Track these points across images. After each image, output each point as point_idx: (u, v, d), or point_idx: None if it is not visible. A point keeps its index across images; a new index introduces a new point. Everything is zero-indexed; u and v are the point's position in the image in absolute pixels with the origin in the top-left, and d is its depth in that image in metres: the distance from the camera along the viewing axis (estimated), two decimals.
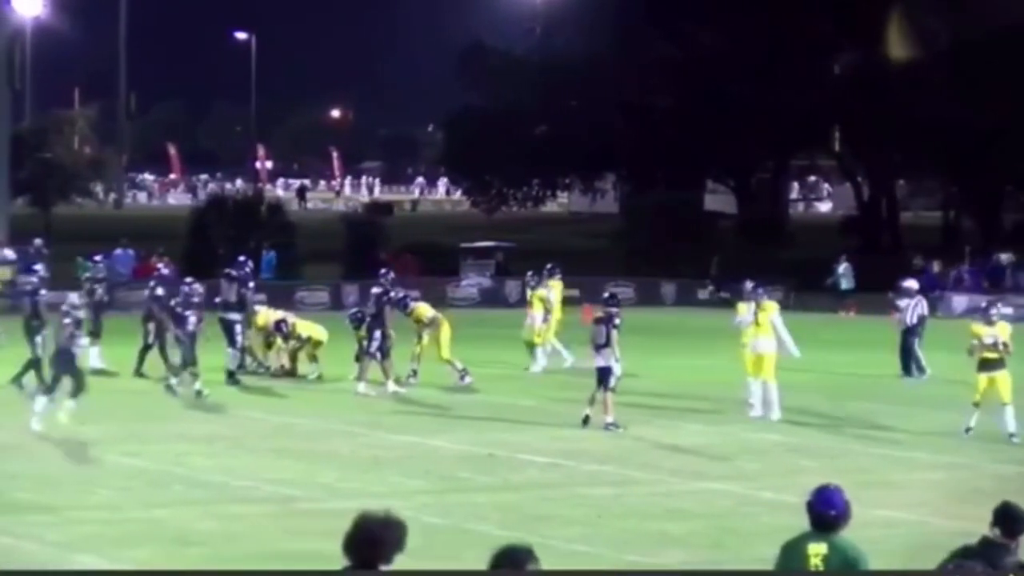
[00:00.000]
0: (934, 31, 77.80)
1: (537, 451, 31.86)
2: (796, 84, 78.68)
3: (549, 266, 47.38)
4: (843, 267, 70.82)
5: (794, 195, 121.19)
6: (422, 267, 72.60)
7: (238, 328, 41.44)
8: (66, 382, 33.50)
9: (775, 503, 24.86)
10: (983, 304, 35.98)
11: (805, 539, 14.36)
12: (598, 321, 34.97)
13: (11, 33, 77.85)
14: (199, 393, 38.18)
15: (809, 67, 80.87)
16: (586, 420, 34.18)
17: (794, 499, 14.70)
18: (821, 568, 14.16)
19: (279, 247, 71.96)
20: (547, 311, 45.48)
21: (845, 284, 70.04)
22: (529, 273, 48.91)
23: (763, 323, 36.10)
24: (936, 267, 70.25)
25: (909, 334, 45.13)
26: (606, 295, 37.37)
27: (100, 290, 45.14)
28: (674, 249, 76.85)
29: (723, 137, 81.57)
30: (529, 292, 46.42)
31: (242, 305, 42.33)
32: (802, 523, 14.60)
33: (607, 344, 34.44)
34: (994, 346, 32.72)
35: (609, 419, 33.91)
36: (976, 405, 32.90)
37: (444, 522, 25.23)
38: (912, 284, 48.73)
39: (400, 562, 22.56)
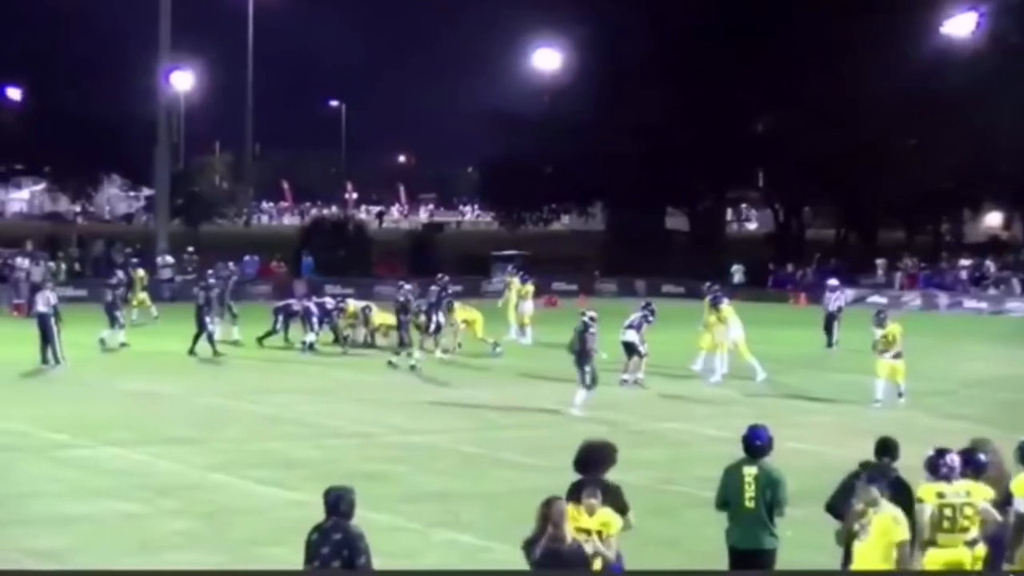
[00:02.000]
0: (828, 98, 77.60)
1: (547, 400, 31.71)
2: (731, 138, 78.52)
3: (522, 273, 48.59)
4: (735, 267, 72.52)
5: (729, 218, 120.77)
6: (464, 269, 72.63)
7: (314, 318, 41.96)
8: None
9: (716, 437, 24.70)
10: (877, 311, 34.15)
11: (741, 463, 14.25)
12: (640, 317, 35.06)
13: (168, 102, 77.85)
14: (413, 367, 37.13)
15: (739, 126, 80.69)
16: (623, 383, 33.61)
17: (730, 435, 14.51)
18: (752, 484, 14.04)
19: (352, 255, 72.49)
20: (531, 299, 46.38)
21: (737, 279, 71.10)
22: (521, 273, 49.37)
23: (723, 318, 36.10)
24: (789, 268, 73.71)
25: (830, 318, 45.07)
26: (643, 303, 36.86)
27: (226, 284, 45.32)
28: (643, 255, 76.71)
29: (679, 176, 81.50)
30: (521, 286, 46.55)
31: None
32: (735, 452, 14.47)
33: (636, 329, 34.45)
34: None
35: (640, 375, 33.74)
36: (879, 378, 31.44)
37: (479, 451, 25.14)
38: (834, 282, 48.66)
39: (445, 481, 22.50)
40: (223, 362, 38.82)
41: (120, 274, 47.18)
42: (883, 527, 12.53)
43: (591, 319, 30.59)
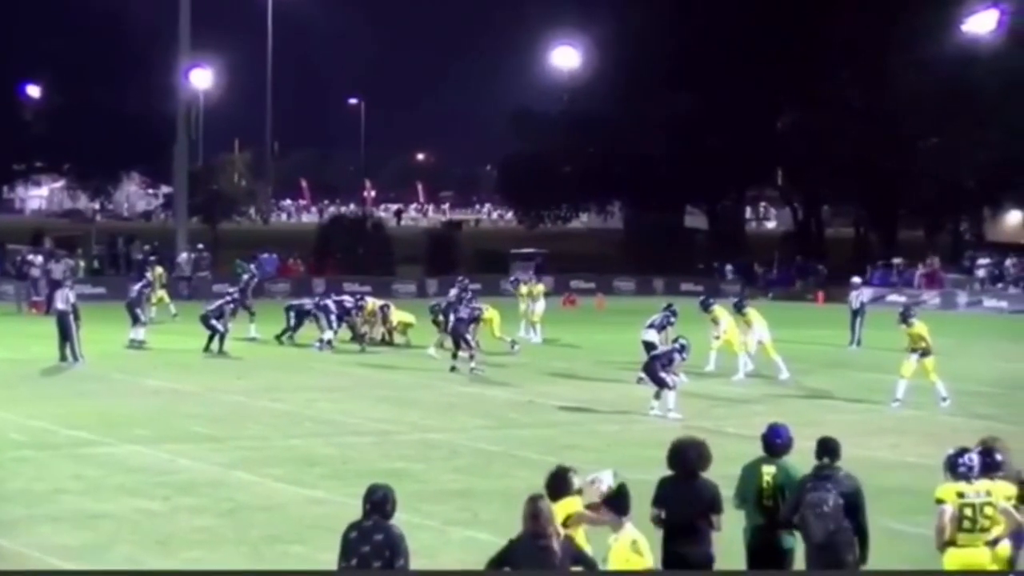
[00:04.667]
0: (848, 97, 77.66)
1: (564, 399, 31.78)
2: (750, 137, 78.52)
3: (531, 274, 49.33)
4: (728, 267, 75.43)
5: (748, 216, 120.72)
6: (483, 267, 72.75)
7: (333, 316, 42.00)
8: None
9: (736, 436, 24.69)
10: (901, 310, 32.93)
11: (760, 462, 14.29)
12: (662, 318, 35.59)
13: (188, 99, 78.01)
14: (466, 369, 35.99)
15: (759, 124, 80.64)
16: (640, 380, 32.03)
17: (749, 433, 14.53)
18: (771, 483, 14.06)
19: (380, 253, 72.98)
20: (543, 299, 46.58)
21: (730, 278, 73.84)
22: (531, 272, 49.59)
23: (748, 320, 36.19)
24: (756, 268, 76.23)
25: (855, 315, 45.13)
26: (665, 305, 37.05)
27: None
28: (663, 254, 76.74)
29: (698, 174, 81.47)
30: (530, 287, 46.76)
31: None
32: (755, 451, 14.50)
33: (657, 329, 34.89)
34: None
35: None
36: (903, 377, 30.89)
37: (498, 449, 25.18)
38: (857, 280, 48.64)
39: (464, 479, 22.52)
40: (242, 360, 38.90)
41: (148, 275, 47.67)
42: (620, 556, 11.92)
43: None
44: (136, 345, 41.23)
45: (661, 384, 29.06)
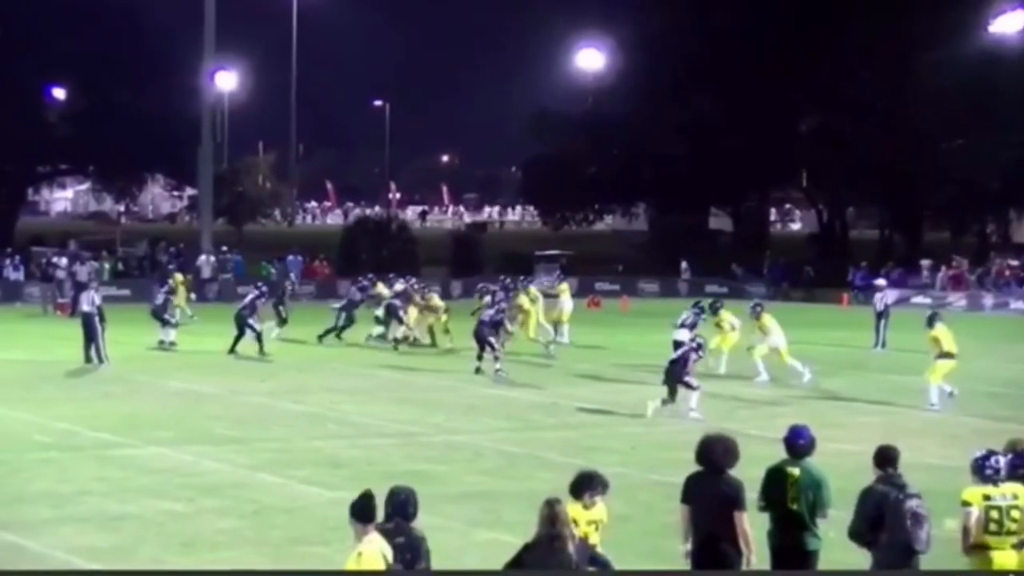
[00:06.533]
0: (871, 98, 77.43)
1: (588, 401, 31.73)
2: (773, 138, 78.37)
3: (558, 274, 48.94)
4: (684, 264, 75.61)
5: (773, 217, 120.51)
6: (508, 268, 72.65)
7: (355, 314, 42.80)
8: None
9: (759, 438, 24.61)
10: (928, 314, 32.83)
11: (783, 464, 14.26)
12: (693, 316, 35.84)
13: (213, 101, 78.13)
14: (477, 370, 36.23)
15: (782, 126, 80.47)
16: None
17: (773, 435, 14.50)
18: (795, 485, 14.02)
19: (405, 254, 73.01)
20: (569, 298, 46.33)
21: (685, 276, 74.48)
22: (557, 274, 49.42)
23: (763, 326, 35.98)
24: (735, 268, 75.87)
25: (879, 316, 44.92)
26: (693, 303, 37.25)
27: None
28: (687, 255, 76.62)
29: (722, 176, 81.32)
30: (558, 285, 46.97)
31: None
32: (778, 453, 14.46)
33: (688, 328, 34.75)
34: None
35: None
36: (930, 381, 30.68)
37: (521, 451, 25.16)
38: (881, 282, 48.40)
39: (487, 480, 22.51)
40: (265, 362, 38.95)
41: (171, 281, 47.97)
42: (349, 565, 11.37)
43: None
44: (167, 347, 41.31)
45: (687, 386, 28.96)
